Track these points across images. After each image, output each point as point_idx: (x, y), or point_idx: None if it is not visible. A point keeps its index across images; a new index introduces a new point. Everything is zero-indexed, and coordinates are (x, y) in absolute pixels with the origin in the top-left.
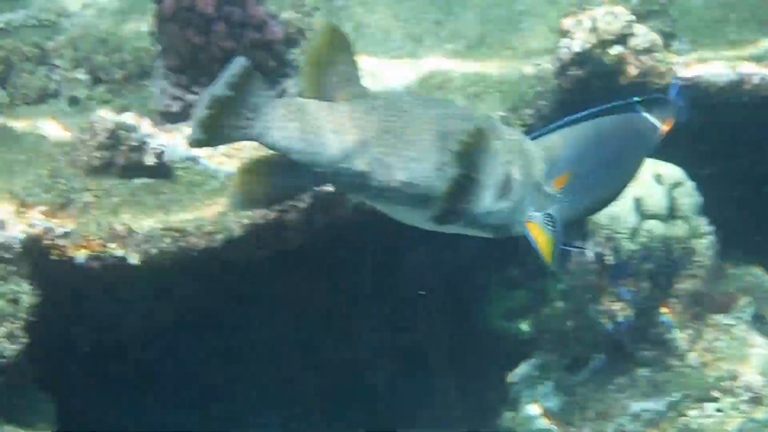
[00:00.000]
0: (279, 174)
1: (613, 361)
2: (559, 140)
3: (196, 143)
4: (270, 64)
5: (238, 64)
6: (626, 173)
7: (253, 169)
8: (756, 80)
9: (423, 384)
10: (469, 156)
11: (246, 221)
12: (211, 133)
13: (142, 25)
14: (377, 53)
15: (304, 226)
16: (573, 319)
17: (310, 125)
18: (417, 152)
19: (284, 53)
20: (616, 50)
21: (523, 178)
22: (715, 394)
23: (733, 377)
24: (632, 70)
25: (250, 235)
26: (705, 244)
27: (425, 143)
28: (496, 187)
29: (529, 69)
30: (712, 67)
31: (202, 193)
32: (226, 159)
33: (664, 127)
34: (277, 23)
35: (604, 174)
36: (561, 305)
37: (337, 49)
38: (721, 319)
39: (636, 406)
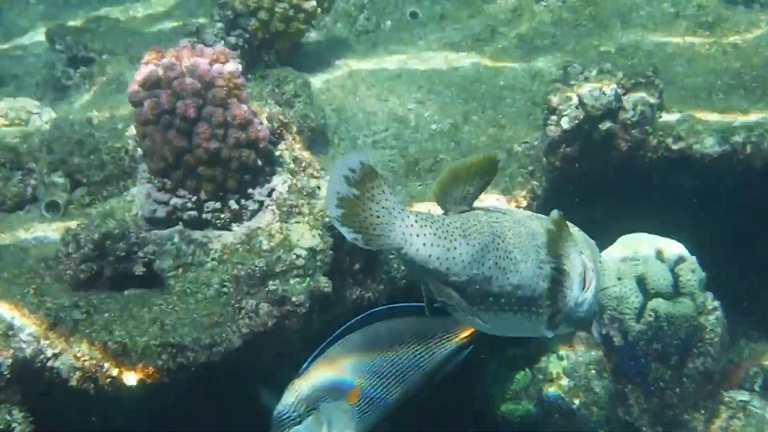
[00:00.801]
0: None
1: None
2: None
3: (360, 241)
4: (257, 163)
5: (356, 158)
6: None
7: None
8: (749, 150)
9: None
10: (558, 248)
11: (245, 330)
12: (362, 231)
13: (117, 122)
14: (359, 137)
15: (303, 328)
16: (580, 397)
17: (443, 231)
18: (520, 253)
19: (270, 151)
20: (605, 125)
21: (593, 266)
22: None
23: None
24: (623, 145)
25: (250, 345)
26: (712, 320)
27: (524, 244)
28: (579, 277)
29: (517, 147)
30: (704, 139)
31: (196, 302)
32: None
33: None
34: (261, 121)
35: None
36: (565, 383)
37: (481, 176)
38: (735, 395)
39: None
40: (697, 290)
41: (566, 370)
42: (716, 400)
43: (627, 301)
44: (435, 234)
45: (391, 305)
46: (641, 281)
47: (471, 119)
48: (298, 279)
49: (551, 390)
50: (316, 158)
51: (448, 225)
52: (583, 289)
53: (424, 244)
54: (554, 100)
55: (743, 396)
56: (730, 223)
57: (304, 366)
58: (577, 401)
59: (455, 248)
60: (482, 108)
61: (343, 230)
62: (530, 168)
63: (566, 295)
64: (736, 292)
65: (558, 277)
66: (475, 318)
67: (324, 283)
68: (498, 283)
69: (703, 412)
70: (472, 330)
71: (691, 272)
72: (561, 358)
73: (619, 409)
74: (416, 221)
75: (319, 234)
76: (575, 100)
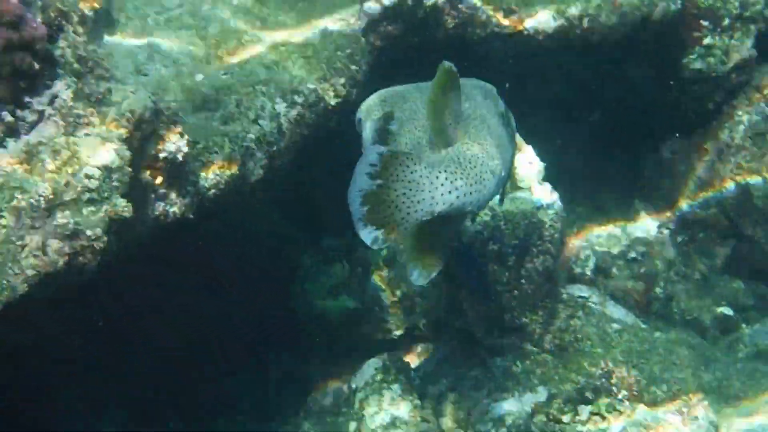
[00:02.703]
0: (441, 231)
1: (462, 348)
2: None
3: (379, 241)
4: (34, 67)
5: (373, 152)
6: None
7: (423, 240)
8: (586, 24)
9: (244, 376)
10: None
11: (31, 272)
12: (386, 223)
13: None
14: (149, 15)
15: (98, 259)
16: (402, 288)
17: (475, 175)
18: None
19: (50, 51)
20: (430, 1)
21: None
22: (589, 395)
23: (605, 372)
24: (450, 22)
25: (37, 288)
26: (551, 215)
27: (496, 146)
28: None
29: (333, 25)
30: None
31: None
32: None
33: None
34: (36, 14)
35: None
36: (386, 274)
37: (453, 89)
38: (574, 291)
39: (498, 408)
40: (536, 183)
41: (387, 260)
42: (555, 298)
43: None
44: (467, 182)
45: None
46: None
47: None
48: (92, 208)
49: (371, 283)
50: (104, 51)
51: (480, 165)
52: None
53: (457, 197)
54: None
55: (582, 292)
56: (566, 100)
57: None
58: (398, 293)
59: (486, 187)
60: None
61: (364, 233)
62: (348, 51)
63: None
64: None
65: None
66: None
67: (123, 207)
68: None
69: (541, 313)
70: None
71: (529, 164)
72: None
73: (451, 315)
74: (446, 178)
75: (114, 148)
76: None
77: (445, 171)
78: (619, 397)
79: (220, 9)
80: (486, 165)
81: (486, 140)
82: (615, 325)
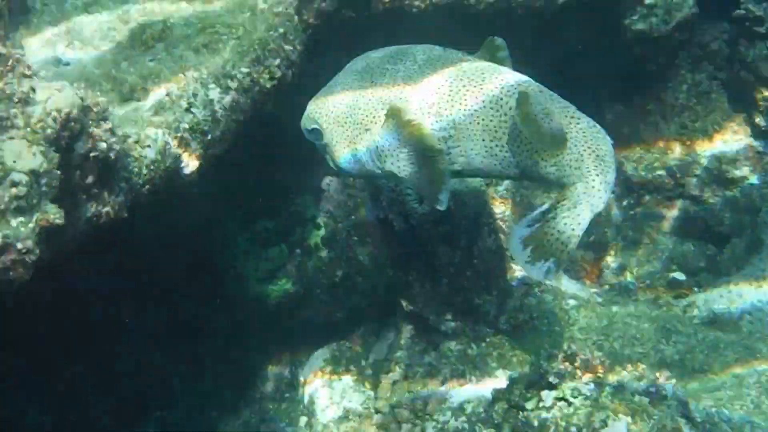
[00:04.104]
0: None
1: (414, 333)
2: None
3: (552, 272)
4: None
5: (539, 210)
6: None
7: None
8: None
9: (179, 365)
10: None
11: None
12: (555, 252)
13: None
14: (67, 1)
15: (30, 273)
16: (342, 267)
17: (609, 159)
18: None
19: None
20: None
21: None
22: (552, 379)
23: (568, 355)
24: None
25: None
26: (501, 191)
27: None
28: None
29: (262, 4)
30: None
31: None
32: None
33: None
34: None
35: None
36: (326, 254)
37: (529, 103)
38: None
39: (456, 395)
40: None
41: (325, 240)
42: (507, 278)
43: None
44: (611, 168)
45: None
46: None
47: None
48: (21, 218)
49: (310, 264)
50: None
51: (600, 140)
52: None
53: (610, 188)
54: None
55: None
56: None
57: None
58: (339, 273)
59: (614, 156)
60: None
61: (534, 271)
62: (281, 30)
63: None
64: None
65: None
66: None
67: (54, 214)
68: None
69: (495, 293)
70: None
71: None
72: (318, 227)
73: (402, 299)
74: (601, 181)
75: (40, 151)
76: None
77: (597, 175)
78: (584, 380)
79: None
80: (600, 134)
81: (564, 105)
82: (571, 302)
